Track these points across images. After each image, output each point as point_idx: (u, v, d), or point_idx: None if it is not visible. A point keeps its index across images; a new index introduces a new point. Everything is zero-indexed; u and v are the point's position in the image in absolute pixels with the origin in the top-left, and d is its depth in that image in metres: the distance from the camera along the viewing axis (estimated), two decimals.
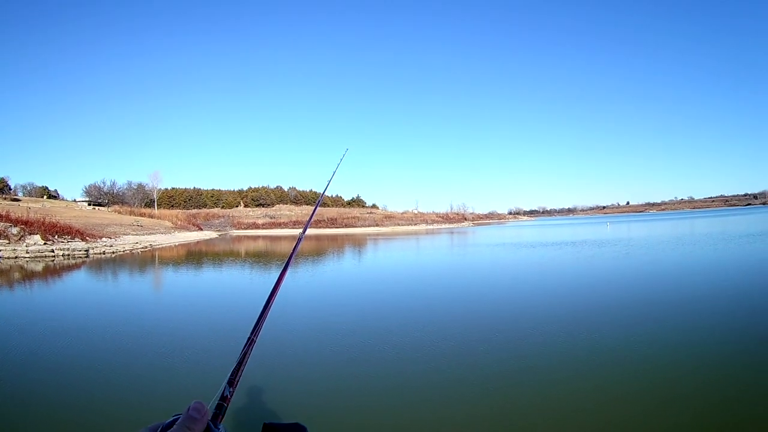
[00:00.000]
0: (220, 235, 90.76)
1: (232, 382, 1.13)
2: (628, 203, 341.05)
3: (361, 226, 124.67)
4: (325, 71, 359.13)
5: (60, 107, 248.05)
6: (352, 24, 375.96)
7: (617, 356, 8.39)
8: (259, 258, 38.02)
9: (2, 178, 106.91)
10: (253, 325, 1.29)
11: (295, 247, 1.88)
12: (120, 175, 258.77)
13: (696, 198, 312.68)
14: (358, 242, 59.37)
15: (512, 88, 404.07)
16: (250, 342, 1.25)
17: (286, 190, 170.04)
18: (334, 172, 2.83)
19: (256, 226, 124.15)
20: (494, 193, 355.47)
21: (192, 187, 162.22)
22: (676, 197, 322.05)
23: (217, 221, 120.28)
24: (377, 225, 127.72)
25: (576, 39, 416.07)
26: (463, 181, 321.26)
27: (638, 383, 7.03)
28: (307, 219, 2.46)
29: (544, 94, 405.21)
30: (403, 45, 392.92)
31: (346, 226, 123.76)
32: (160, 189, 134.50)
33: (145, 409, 6.54)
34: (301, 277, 22.66)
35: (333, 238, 76.28)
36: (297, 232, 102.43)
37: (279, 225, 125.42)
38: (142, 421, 0.75)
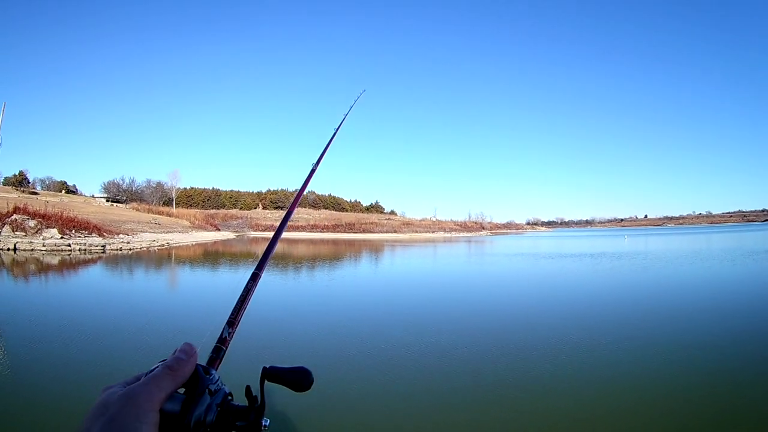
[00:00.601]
0: (237, 236, 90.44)
1: (232, 323, 1.03)
2: (646, 216, 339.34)
3: (379, 231, 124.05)
4: (345, 74, 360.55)
5: (81, 103, 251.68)
6: (373, 27, 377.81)
7: (633, 367, 8.33)
8: (276, 260, 37.20)
9: (21, 171, 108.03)
10: (258, 260, 1.20)
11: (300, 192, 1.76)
12: (139, 173, 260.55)
13: (714, 213, 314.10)
14: (376, 248, 58.71)
15: (532, 99, 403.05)
16: (255, 277, 1.14)
17: (305, 193, 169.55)
18: (347, 114, 2.42)
19: (273, 229, 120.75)
20: (512, 203, 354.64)
21: (211, 188, 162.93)
22: (694, 211, 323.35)
23: (234, 222, 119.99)
24: (395, 231, 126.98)
25: (600, 53, 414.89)
26: (482, 190, 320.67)
27: (653, 393, 7.00)
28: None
29: (565, 106, 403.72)
30: (425, 50, 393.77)
31: (364, 231, 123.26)
32: (179, 188, 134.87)
33: None
34: (318, 279, 22.05)
35: (350, 243, 75.77)
36: (315, 236, 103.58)
37: (297, 228, 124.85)
38: None
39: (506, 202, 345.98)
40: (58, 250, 34.72)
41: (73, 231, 39.49)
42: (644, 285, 19.96)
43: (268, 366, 0.94)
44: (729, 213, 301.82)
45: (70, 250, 35.33)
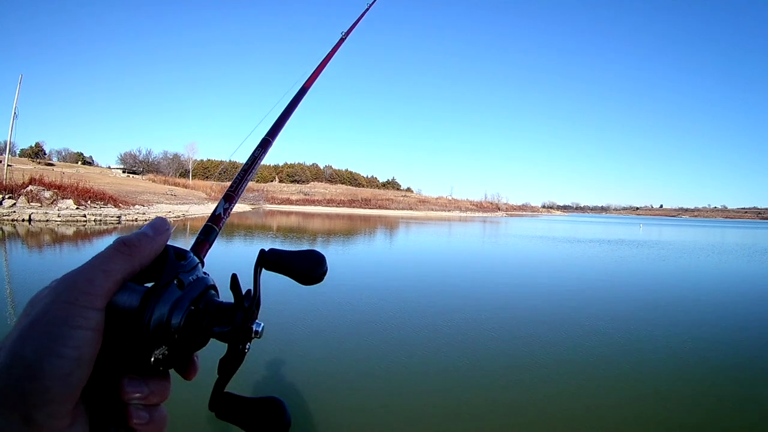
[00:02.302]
0: (253, 209, 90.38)
1: (230, 197, 0.81)
2: (661, 206, 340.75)
3: (395, 208, 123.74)
4: (364, 60, 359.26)
5: (98, 75, 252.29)
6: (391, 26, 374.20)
7: (647, 355, 8.32)
8: (292, 233, 36.89)
9: (37, 143, 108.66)
10: (270, 126, 0.96)
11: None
12: (156, 144, 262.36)
13: (729, 207, 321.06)
14: (391, 224, 58.51)
15: (554, 83, 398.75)
16: (265, 144, 0.92)
17: (321, 167, 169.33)
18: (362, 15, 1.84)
19: (289, 202, 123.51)
20: (529, 186, 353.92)
21: (227, 160, 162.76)
22: (709, 204, 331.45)
23: (251, 195, 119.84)
24: (411, 209, 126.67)
25: (625, 42, 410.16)
26: (499, 171, 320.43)
27: (666, 383, 7.00)
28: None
29: (586, 93, 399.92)
30: (447, 37, 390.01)
31: (380, 207, 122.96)
32: (196, 160, 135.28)
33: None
34: (331, 254, 21.66)
35: (366, 218, 75.91)
36: (331, 210, 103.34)
37: (313, 202, 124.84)
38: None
39: (523, 184, 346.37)
40: (74, 221, 34.47)
41: (89, 202, 39.28)
42: (661, 275, 19.93)
43: (267, 249, 0.66)
44: (744, 209, 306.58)
45: (86, 221, 35.09)
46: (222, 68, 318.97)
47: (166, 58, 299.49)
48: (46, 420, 0.44)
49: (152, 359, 0.52)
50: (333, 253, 24.14)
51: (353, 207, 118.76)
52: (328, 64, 1.35)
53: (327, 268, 0.67)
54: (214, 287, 0.62)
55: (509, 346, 8.64)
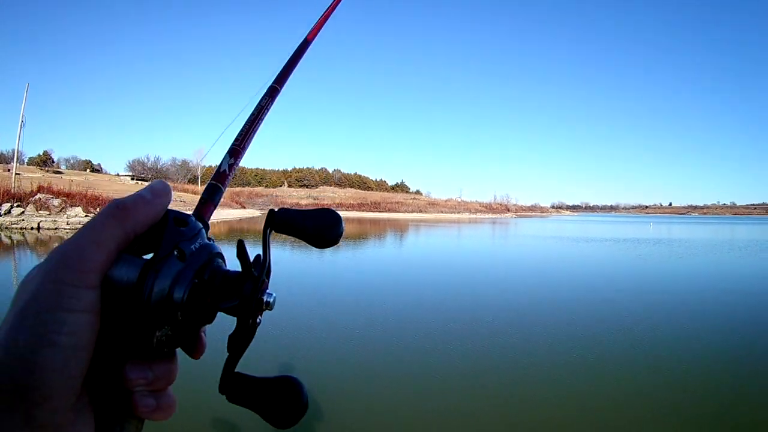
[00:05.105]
0: (262, 214, 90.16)
1: (236, 152, 0.69)
2: (670, 204, 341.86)
3: (405, 211, 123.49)
4: (371, 63, 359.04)
5: (106, 82, 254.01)
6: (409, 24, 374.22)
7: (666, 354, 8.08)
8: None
9: (45, 151, 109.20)
10: (278, 72, 0.85)
11: None
12: (164, 151, 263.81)
13: (738, 204, 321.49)
14: (401, 227, 58.40)
15: (560, 83, 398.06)
16: (272, 92, 0.80)
17: (330, 171, 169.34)
18: None
19: (299, 207, 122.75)
20: (538, 186, 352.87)
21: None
22: (718, 201, 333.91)
23: (260, 200, 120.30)
24: (420, 211, 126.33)
25: (633, 40, 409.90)
26: (508, 172, 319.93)
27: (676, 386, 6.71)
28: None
29: (593, 91, 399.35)
30: (455, 39, 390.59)
31: (389, 210, 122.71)
32: (204, 166, 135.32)
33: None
34: (338, 256, 21.44)
35: (376, 221, 75.69)
36: (340, 214, 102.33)
37: (323, 206, 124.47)
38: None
39: (532, 185, 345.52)
40: None
41: (98, 209, 39.14)
42: (680, 273, 19.62)
43: (277, 209, 0.59)
44: (753, 205, 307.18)
45: None
46: (228, 73, 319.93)
47: (173, 63, 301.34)
48: (48, 417, 0.38)
49: (155, 340, 0.46)
50: (344, 256, 23.88)
51: (363, 210, 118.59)
52: (338, 7, 0.98)
53: (343, 229, 0.61)
54: (220, 255, 0.55)
55: (520, 346, 8.45)
